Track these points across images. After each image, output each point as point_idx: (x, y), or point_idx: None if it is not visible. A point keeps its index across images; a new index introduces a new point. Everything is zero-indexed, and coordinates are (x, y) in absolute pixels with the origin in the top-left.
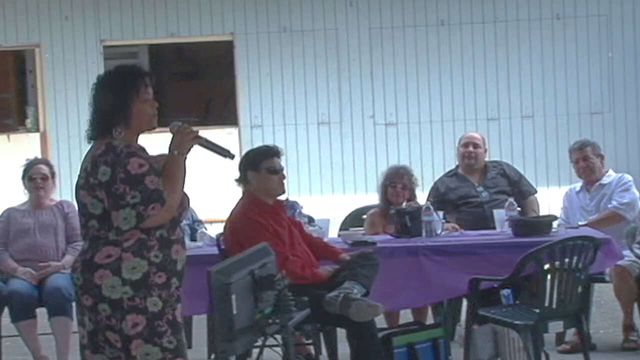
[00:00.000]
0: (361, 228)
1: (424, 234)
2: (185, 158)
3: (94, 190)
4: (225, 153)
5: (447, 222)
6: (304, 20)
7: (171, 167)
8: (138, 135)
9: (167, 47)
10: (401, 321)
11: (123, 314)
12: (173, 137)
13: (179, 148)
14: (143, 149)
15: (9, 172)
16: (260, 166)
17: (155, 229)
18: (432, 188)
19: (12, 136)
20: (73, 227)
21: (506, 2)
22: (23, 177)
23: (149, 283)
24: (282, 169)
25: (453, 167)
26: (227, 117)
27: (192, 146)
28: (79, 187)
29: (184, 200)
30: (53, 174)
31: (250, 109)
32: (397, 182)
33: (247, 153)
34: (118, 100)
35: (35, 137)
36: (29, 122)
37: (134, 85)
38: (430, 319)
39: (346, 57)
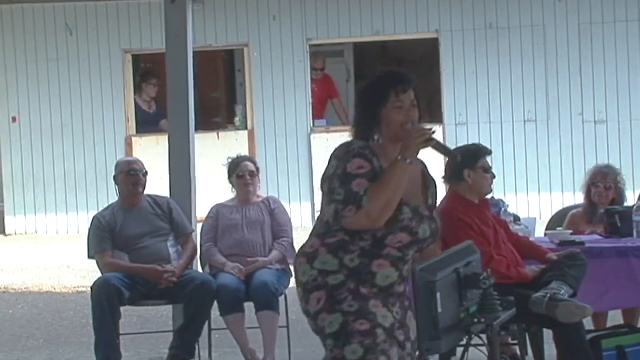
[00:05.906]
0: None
1: (635, 234)
2: (410, 163)
3: (323, 184)
4: (453, 156)
5: None
6: (510, 16)
7: (388, 171)
8: (397, 143)
9: (372, 45)
10: (609, 324)
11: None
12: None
13: (405, 152)
14: (375, 155)
15: (219, 169)
16: (477, 165)
17: (359, 239)
18: None
19: (222, 134)
20: (279, 223)
21: None
22: (230, 175)
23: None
24: (491, 168)
25: None
26: (432, 114)
27: (419, 151)
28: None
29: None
30: (258, 170)
31: (455, 107)
32: (600, 182)
33: (464, 151)
34: (368, 108)
35: (244, 134)
36: (237, 120)
37: (384, 93)
38: None
39: (554, 53)
